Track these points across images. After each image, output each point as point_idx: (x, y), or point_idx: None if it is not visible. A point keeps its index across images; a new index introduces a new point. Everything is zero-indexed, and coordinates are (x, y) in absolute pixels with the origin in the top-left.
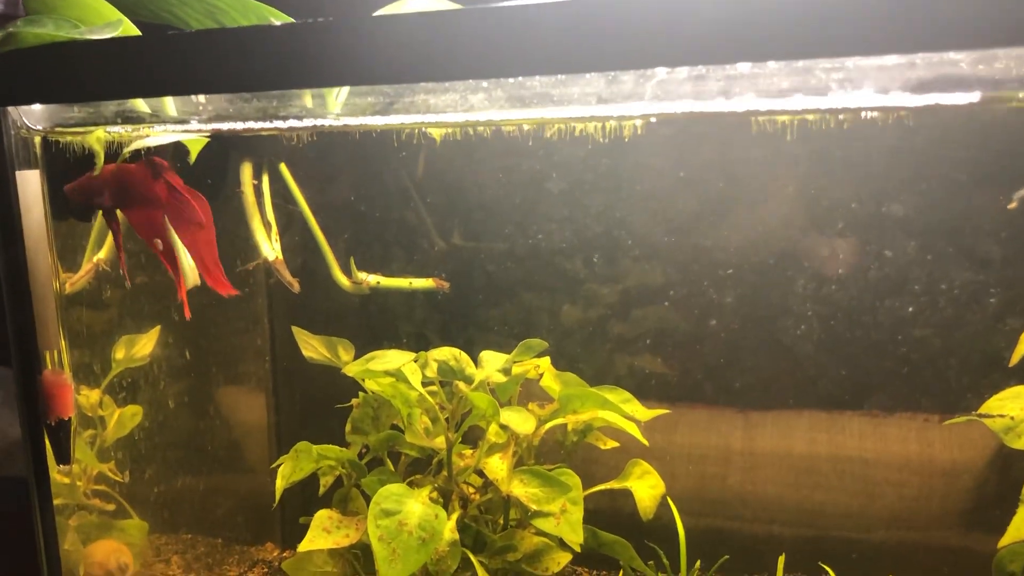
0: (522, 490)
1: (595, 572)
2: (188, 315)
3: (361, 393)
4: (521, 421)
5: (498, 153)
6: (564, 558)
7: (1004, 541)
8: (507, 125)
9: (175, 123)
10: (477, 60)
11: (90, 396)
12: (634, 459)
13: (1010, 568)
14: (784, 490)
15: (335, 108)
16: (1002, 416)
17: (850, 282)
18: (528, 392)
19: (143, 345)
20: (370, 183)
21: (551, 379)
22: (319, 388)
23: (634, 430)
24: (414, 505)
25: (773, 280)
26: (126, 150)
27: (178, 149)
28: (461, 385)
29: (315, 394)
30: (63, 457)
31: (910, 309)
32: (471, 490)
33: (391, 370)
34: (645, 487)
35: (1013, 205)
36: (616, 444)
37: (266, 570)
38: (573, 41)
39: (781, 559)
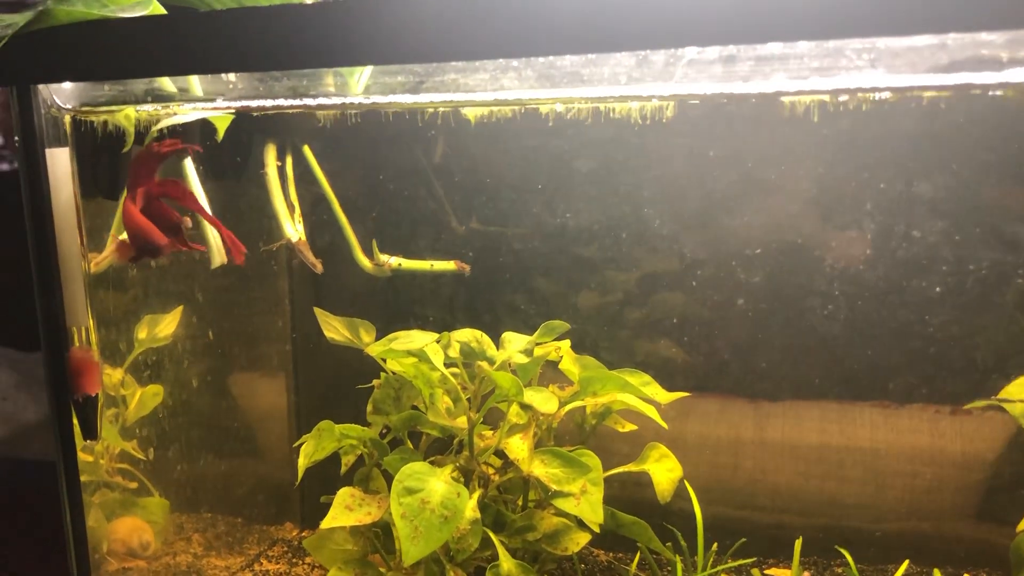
0: (543, 470)
1: (611, 554)
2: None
3: (382, 374)
4: (543, 401)
5: (526, 134)
6: (583, 538)
7: (1023, 525)
8: (538, 104)
9: (203, 102)
10: (505, 39)
11: (112, 375)
12: (652, 443)
13: None
14: (796, 479)
15: (357, 88)
16: (1022, 401)
17: (869, 270)
18: (544, 376)
19: (166, 325)
20: (394, 165)
21: (570, 362)
22: (340, 369)
23: (654, 413)
24: (436, 484)
25: (793, 267)
26: (154, 128)
27: (205, 129)
28: (483, 365)
29: (336, 375)
30: (90, 432)
31: (932, 293)
32: (492, 470)
33: (413, 350)
34: (663, 470)
35: None
36: (635, 427)
37: (285, 549)
38: (601, 20)
39: (798, 542)
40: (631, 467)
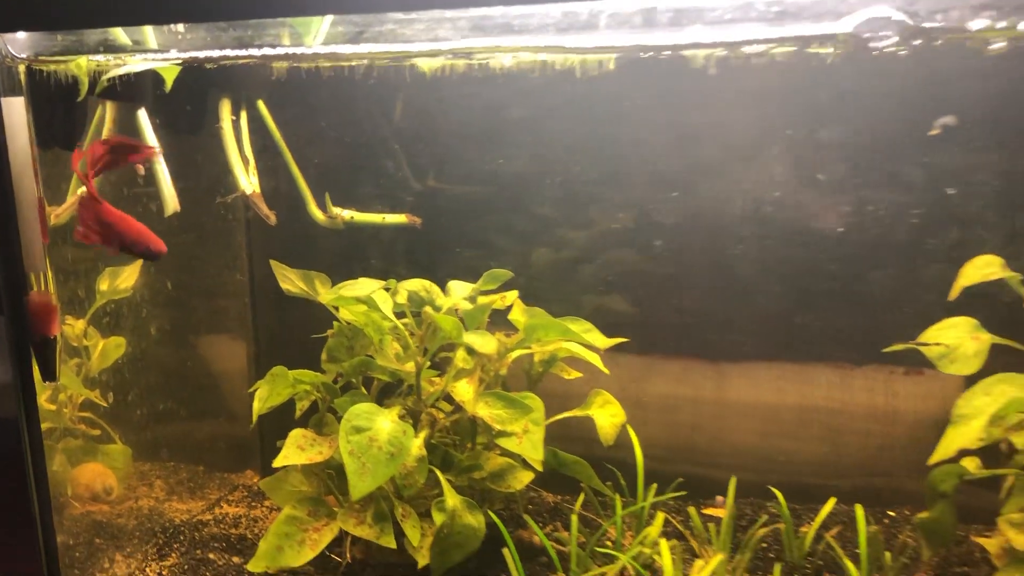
0: (487, 411)
1: (559, 496)
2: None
3: (335, 323)
4: (483, 342)
5: (472, 82)
6: (526, 477)
7: (933, 459)
8: (473, 52)
9: (155, 53)
10: None
11: (75, 326)
12: (596, 389)
13: (941, 488)
14: (751, 438)
15: (312, 41)
16: (938, 344)
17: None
18: (502, 329)
19: (126, 277)
20: (348, 119)
21: (519, 312)
22: (299, 321)
23: (596, 360)
24: (383, 422)
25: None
26: (104, 77)
27: (156, 82)
28: (428, 310)
29: (295, 327)
30: (49, 374)
31: (867, 253)
32: (440, 414)
33: (362, 297)
34: (606, 415)
35: (934, 132)
36: (580, 375)
37: (245, 493)
38: None
39: (732, 480)
40: (576, 412)
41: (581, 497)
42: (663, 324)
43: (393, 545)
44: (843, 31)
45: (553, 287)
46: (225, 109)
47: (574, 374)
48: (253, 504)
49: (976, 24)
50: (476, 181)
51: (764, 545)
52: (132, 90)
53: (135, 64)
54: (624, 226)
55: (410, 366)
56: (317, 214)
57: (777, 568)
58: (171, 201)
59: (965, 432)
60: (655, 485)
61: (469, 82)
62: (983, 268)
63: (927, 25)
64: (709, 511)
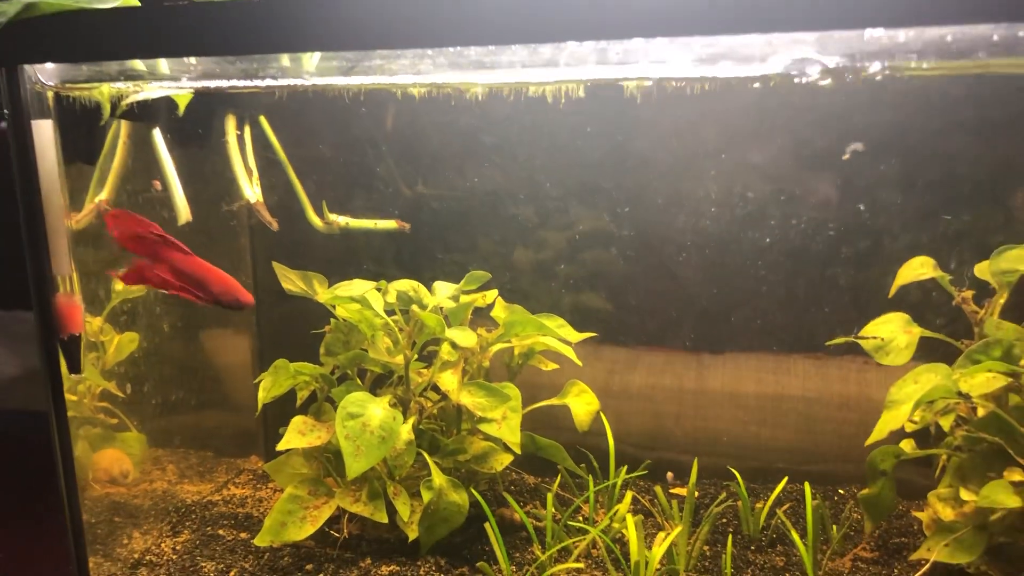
0: (469, 399)
1: (539, 478)
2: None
3: (332, 320)
4: (464, 337)
5: (458, 110)
6: (506, 459)
7: (869, 441)
8: (447, 88)
9: (168, 80)
10: (424, 32)
11: (92, 323)
12: (572, 379)
13: (882, 467)
14: (731, 425)
15: (310, 68)
16: (874, 338)
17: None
18: (486, 327)
19: None
20: (342, 136)
21: (501, 309)
22: (299, 318)
23: (571, 353)
24: (375, 409)
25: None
26: (124, 102)
27: (169, 104)
28: (415, 308)
29: (295, 324)
30: (75, 367)
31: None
32: (428, 402)
33: (355, 296)
34: (582, 404)
35: (847, 156)
36: (556, 367)
37: (251, 477)
38: (503, 18)
39: (695, 462)
40: (553, 401)
41: (559, 478)
42: (605, 315)
43: (385, 520)
44: (774, 71)
45: (530, 285)
46: (230, 125)
47: (551, 366)
48: (258, 486)
49: (873, 67)
50: (456, 194)
51: (724, 520)
52: (148, 111)
53: (151, 91)
54: (582, 236)
55: (399, 359)
56: (315, 220)
57: (729, 538)
58: (184, 210)
59: (896, 416)
60: (625, 467)
61: (448, 109)
62: (917, 269)
63: (837, 65)
64: (676, 491)
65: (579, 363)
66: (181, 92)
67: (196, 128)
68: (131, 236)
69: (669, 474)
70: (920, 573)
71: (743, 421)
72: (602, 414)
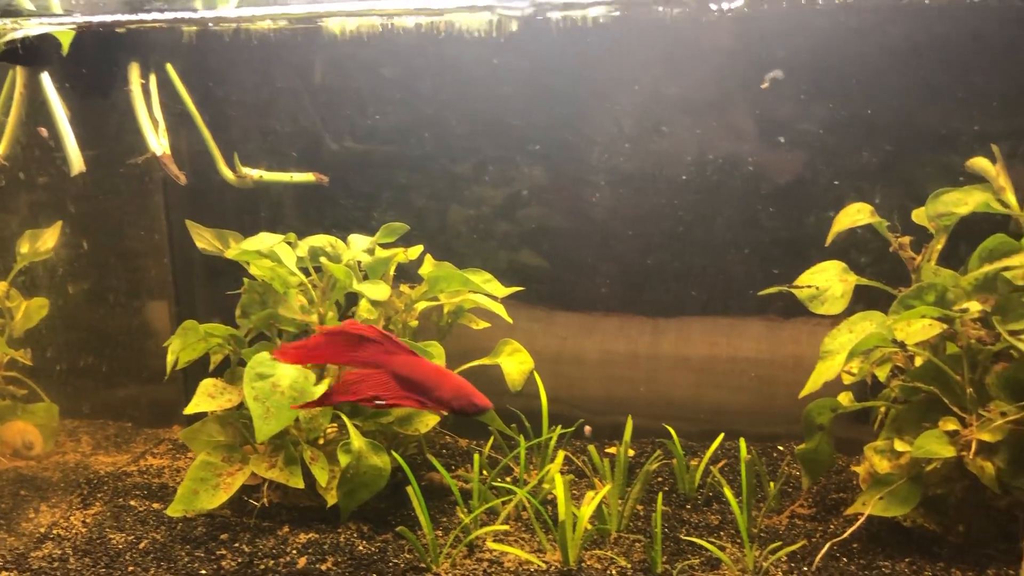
0: None
1: (472, 441)
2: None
3: (245, 279)
4: (375, 290)
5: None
6: (432, 420)
7: (803, 393)
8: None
9: (59, 16)
10: None
11: None
12: (504, 339)
13: (818, 421)
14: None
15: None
16: (809, 287)
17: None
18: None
19: (47, 239)
20: (255, 82)
21: (430, 266)
22: (219, 280)
23: (500, 309)
24: (286, 369)
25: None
26: (0, 40)
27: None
28: (324, 261)
29: (216, 285)
30: None
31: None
32: None
33: (266, 252)
34: (514, 363)
35: (765, 85)
36: (487, 324)
37: (170, 447)
38: None
39: (629, 419)
40: (485, 360)
41: (491, 440)
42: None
43: (301, 485)
44: None
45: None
46: (134, 73)
47: (482, 324)
48: (177, 456)
49: None
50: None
51: (660, 480)
52: (34, 54)
53: (30, 27)
54: (491, 175)
55: (314, 317)
56: (227, 174)
57: (659, 496)
58: (76, 161)
59: (831, 366)
60: (559, 427)
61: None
62: (854, 215)
63: None
64: (611, 450)
65: (509, 320)
66: (63, 29)
67: (102, 78)
68: (347, 352)
69: (587, 428)
70: (854, 528)
71: (692, 384)
72: (536, 375)
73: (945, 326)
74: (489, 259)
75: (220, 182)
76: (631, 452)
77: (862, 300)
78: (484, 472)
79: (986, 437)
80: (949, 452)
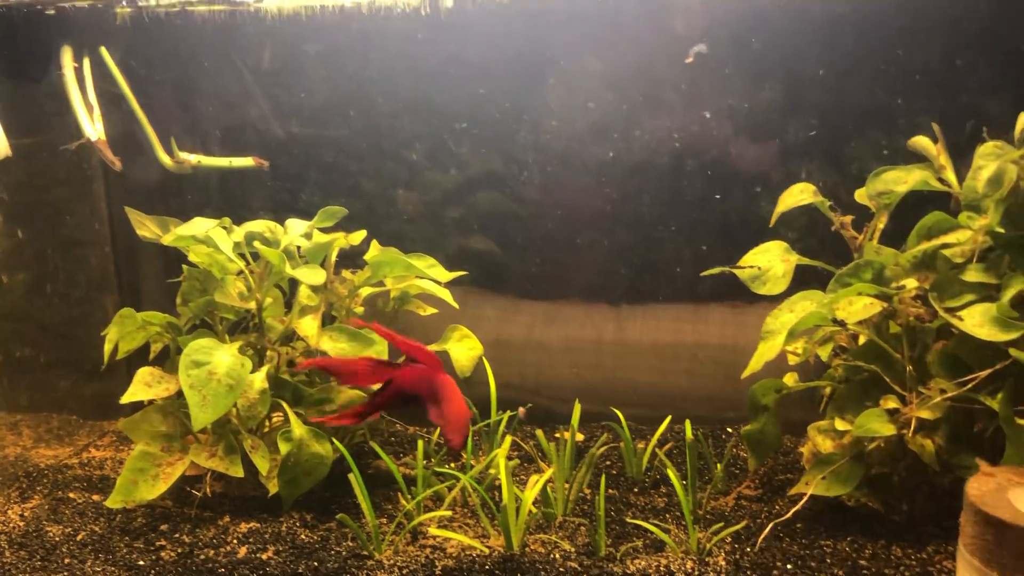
0: (331, 345)
1: (421, 428)
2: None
3: (184, 266)
4: (310, 274)
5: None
6: None
7: (745, 373)
8: None
9: None
10: None
11: None
12: (453, 324)
13: (763, 401)
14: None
15: None
16: (751, 267)
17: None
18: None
19: None
20: (193, 65)
21: (375, 251)
22: (163, 267)
23: (446, 295)
24: (223, 356)
25: None
26: None
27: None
28: (258, 245)
29: (159, 273)
30: None
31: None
32: (292, 351)
33: (201, 237)
34: (464, 349)
35: (690, 60)
36: (435, 311)
37: (114, 439)
38: None
39: (577, 403)
40: (433, 347)
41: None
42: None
43: (241, 474)
44: None
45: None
46: (67, 56)
47: (429, 310)
48: (121, 448)
49: None
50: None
51: (608, 463)
52: None
53: None
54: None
55: (252, 304)
56: (164, 159)
57: (603, 479)
58: (2, 145)
59: (772, 346)
60: (508, 412)
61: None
62: (798, 195)
63: None
64: (559, 434)
65: (456, 306)
66: None
67: (34, 62)
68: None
69: (520, 409)
70: (796, 508)
71: (650, 369)
72: (485, 360)
73: (884, 304)
74: (435, 243)
75: (161, 168)
76: (580, 436)
77: (817, 280)
78: (432, 459)
79: (925, 415)
80: (889, 430)
